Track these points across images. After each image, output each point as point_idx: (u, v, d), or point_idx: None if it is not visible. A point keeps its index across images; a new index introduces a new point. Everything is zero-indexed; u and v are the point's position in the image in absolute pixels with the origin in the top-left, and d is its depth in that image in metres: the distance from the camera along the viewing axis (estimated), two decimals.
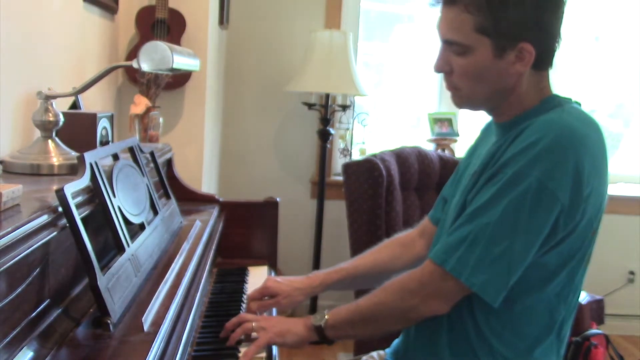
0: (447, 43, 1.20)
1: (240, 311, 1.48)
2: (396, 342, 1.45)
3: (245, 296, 1.59)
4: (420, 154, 3.05)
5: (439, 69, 1.23)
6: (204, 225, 1.71)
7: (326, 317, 1.27)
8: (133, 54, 2.45)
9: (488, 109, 1.28)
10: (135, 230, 1.29)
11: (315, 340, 1.28)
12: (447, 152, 3.37)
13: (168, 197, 1.69)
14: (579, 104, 1.27)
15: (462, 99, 1.26)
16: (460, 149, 3.47)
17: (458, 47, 1.18)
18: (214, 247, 1.69)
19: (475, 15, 1.14)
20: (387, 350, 1.49)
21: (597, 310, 2.70)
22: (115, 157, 1.35)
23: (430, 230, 1.49)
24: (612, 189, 3.57)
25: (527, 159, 1.11)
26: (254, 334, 1.27)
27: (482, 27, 1.14)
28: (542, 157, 1.10)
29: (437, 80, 3.59)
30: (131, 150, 1.49)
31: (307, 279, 1.47)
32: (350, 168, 2.78)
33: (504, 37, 1.15)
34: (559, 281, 1.19)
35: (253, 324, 1.27)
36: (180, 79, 2.54)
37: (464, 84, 1.22)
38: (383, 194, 2.76)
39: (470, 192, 1.21)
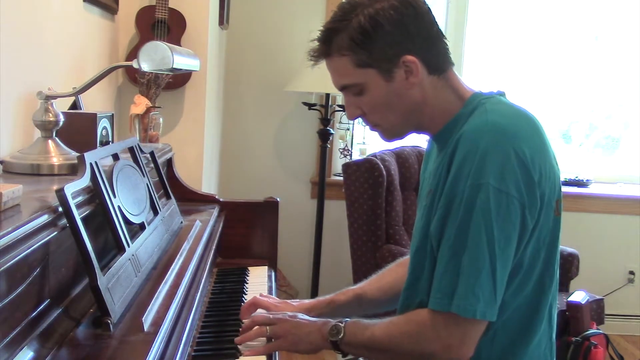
0: (344, 89, 1.25)
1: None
2: None
3: (245, 296, 1.59)
4: (420, 154, 3.05)
5: (352, 116, 1.28)
6: (204, 225, 1.71)
7: (343, 331, 1.24)
8: (133, 54, 2.45)
9: (414, 129, 1.29)
10: (136, 230, 1.29)
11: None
12: None
13: (168, 197, 1.69)
14: (503, 95, 1.27)
15: (387, 132, 1.29)
16: None
17: (354, 88, 1.23)
18: (214, 247, 1.69)
19: (350, 55, 1.19)
20: None
21: (597, 310, 2.70)
22: (116, 157, 1.35)
23: None
24: (612, 189, 3.61)
25: (473, 170, 1.12)
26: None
27: (361, 62, 1.19)
28: (485, 164, 1.11)
29: None
30: (131, 150, 1.49)
31: (316, 300, 1.48)
32: (350, 168, 2.78)
33: (383, 61, 1.19)
34: (538, 271, 1.21)
35: (267, 329, 1.26)
36: (180, 79, 2.54)
37: (379, 118, 1.26)
38: (383, 194, 2.77)
39: (430, 214, 1.21)
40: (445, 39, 1.25)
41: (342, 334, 1.24)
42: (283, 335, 1.26)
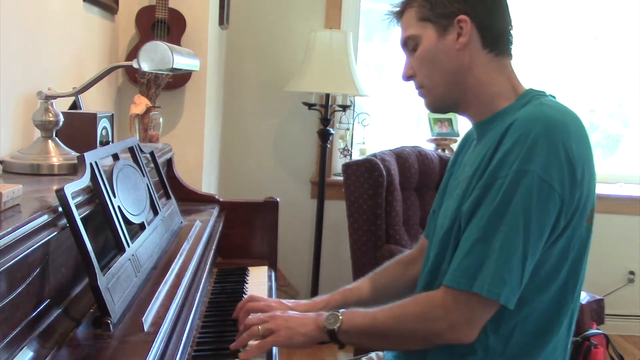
0: (405, 44, 1.32)
1: None
2: None
3: (245, 296, 1.59)
4: (420, 154, 3.05)
5: (405, 76, 1.35)
6: (204, 225, 1.71)
7: (340, 319, 1.22)
8: (133, 54, 2.45)
9: (456, 102, 1.30)
10: (136, 230, 1.29)
11: (325, 341, 1.24)
12: (447, 152, 3.37)
13: (168, 197, 1.69)
14: (554, 97, 1.29)
15: (430, 94, 1.31)
16: None
17: (411, 42, 1.30)
18: (214, 247, 1.69)
19: (416, 8, 1.28)
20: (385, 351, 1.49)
21: (597, 310, 2.70)
22: (116, 157, 1.35)
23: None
24: (612, 189, 3.61)
25: (521, 156, 1.12)
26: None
27: (423, 15, 1.27)
28: (534, 152, 1.11)
29: None
30: (131, 150, 1.49)
31: (312, 302, 1.46)
32: (350, 168, 2.78)
33: (442, 17, 1.26)
34: (563, 275, 1.20)
35: (259, 327, 1.24)
36: (180, 79, 2.54)
37: (423, 76, 1.30)
38: (383, 194, 2.76)
39: (464, 197, 1.21)
40: (512, 28, 1.30)
41: (339, 322, 1.22)
42: (276, 330, 1.23)
